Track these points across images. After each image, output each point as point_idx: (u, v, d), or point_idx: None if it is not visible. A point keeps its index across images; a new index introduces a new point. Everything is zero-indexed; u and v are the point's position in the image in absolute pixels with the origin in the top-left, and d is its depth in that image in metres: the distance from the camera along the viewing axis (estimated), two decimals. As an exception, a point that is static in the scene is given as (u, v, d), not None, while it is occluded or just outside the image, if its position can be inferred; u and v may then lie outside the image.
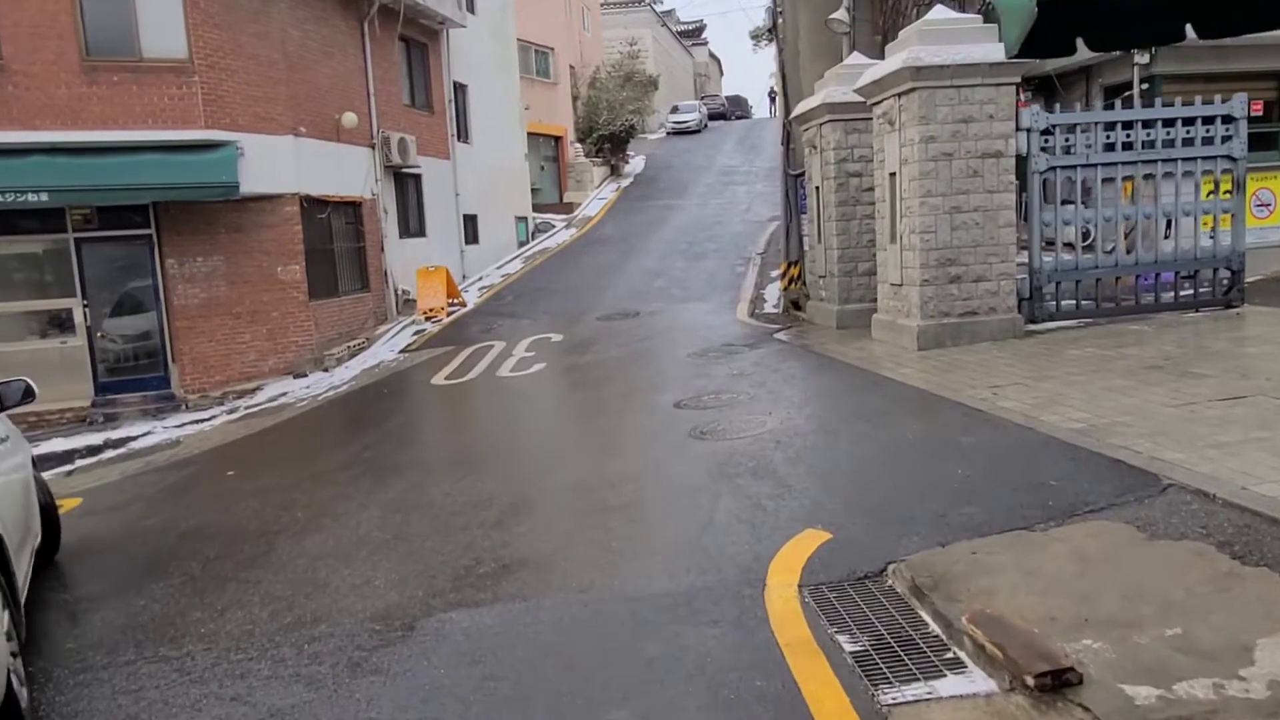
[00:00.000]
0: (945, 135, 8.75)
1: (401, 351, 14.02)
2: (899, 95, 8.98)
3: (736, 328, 12.42)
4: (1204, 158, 9.24)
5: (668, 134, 41.39)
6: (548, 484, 6.20)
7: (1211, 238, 9.43)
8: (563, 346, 12.55)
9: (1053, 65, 13.54)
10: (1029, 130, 8.97)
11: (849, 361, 8.97)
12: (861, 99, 10.25)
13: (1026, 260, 9.25)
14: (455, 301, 16.94)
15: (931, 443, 5.70)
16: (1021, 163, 9.05)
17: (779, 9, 13.10)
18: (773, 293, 15.00)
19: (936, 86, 8.65)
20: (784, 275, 13.57)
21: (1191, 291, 9.47)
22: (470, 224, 20.89)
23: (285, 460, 8.54)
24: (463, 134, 20.75)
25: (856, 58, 11.20)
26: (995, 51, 8.55)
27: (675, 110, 42.77)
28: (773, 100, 56.21)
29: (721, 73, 73.34)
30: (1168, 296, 9.44)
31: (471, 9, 21.17)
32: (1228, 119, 9.20)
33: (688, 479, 5.75)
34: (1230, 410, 5.54)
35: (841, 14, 11.95)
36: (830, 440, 6.13)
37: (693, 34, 63.18)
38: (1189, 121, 9.19)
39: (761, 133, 40.91)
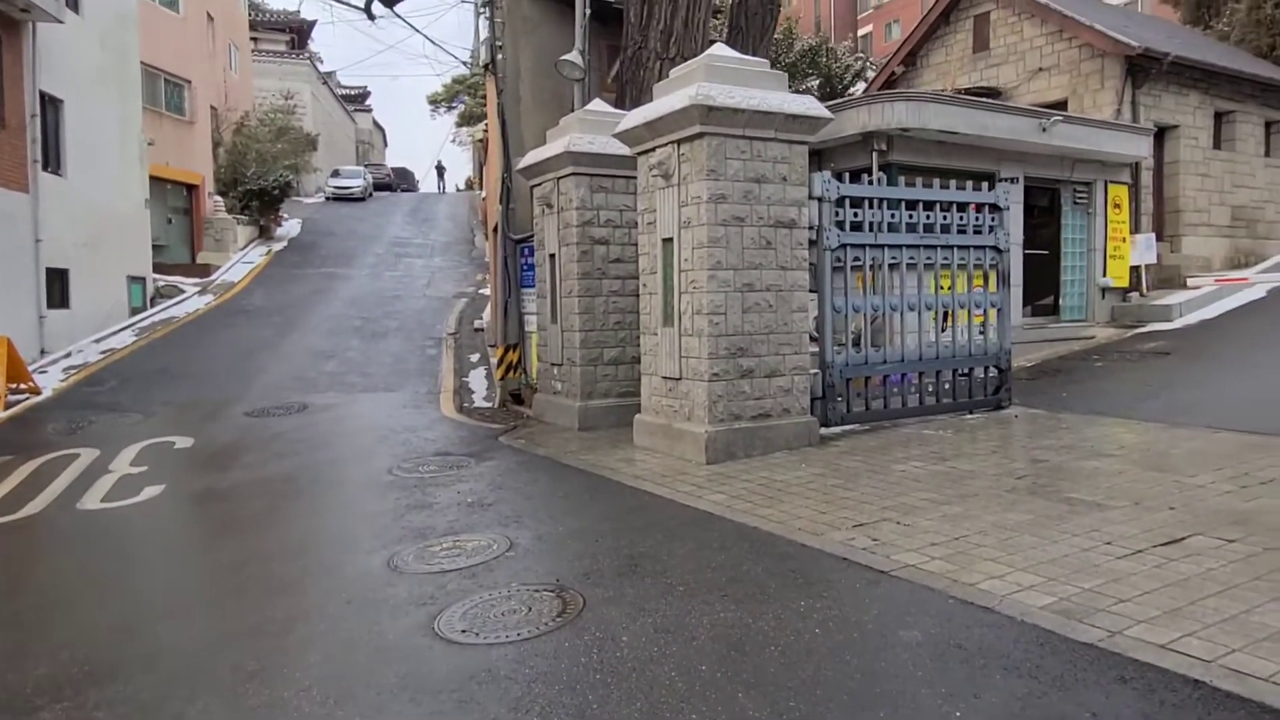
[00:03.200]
0: (737, 195, 7.05)
1: (-85, 465, 9.09)
2: (679, 143, 7.15)
3: (447, 428, 9.59)
4: (975, 246, 8.61)
5: (327, 199, 37.54)
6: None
7: (982, 333, 8.77)
8: (193, 457, 8.77)
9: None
10: (821, 200, 7.62)
11: (623, 481, 6.68)
12: (616, 151, 8.37)
13: (817, 352, 7.79)
14: (22, 387, 11.96)
15: (862, 649, 3.53)
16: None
17: (498, 41, 10.95)
18: (479, 382, 12.40)
19: (729, 135, 6.95)
20: (501, 362, 11.08)
21: (966, 390, 8.67)
22: (58, 281, 15.59)
23: None
24: (52, 162, 15.61)
25: (601, 104, 9.36)
26: (792, 102, 7.08)
27: (337, 174, 39.14)
28: (441, 175, 54.53)
29: (386, 144, 69.96)
30: (946, 397, 8.55)
31: (75, 7, 16.36)
32: (994, 208, 8.69)
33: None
34: (1199, 564, 4.12)
35: (574, 56, 10.10)
36: (687, 646, 3.69)
37: (356, 99, 59.41)
38: (963, 208, 8.52)
39: (434, 206, 38.62)
